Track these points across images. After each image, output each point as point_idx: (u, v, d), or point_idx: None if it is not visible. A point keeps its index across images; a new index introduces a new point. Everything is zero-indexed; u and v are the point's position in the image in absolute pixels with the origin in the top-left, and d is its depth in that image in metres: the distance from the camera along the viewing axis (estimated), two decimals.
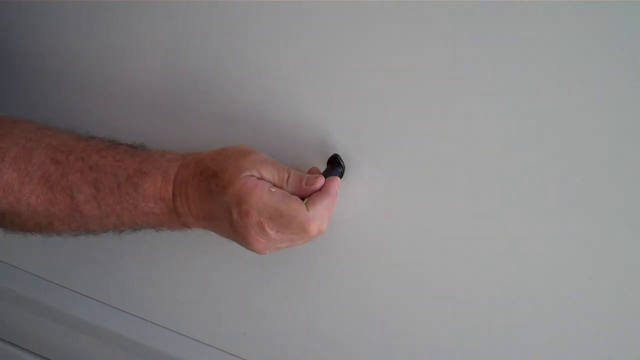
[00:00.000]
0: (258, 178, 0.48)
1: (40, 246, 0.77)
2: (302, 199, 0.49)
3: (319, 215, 0.48)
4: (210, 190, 0.49)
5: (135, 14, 0.57)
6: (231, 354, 0.71)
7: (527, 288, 0.52)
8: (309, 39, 0.51)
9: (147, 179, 0.50)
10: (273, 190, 0.48)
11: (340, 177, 0.53)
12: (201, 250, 0.67)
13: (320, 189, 0.49)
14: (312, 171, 0.52)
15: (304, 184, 0.49)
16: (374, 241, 0.57)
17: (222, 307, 0.70)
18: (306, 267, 0.62)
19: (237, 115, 0.57)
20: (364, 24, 0.48)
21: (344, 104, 0.52)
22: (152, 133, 0.58)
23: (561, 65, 0.44)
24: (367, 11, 0.48)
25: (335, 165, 0.53)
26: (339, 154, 0.53)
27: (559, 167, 0.47)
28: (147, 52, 0.58)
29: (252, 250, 0.50)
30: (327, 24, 0.50)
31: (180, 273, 0.71)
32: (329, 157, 0.53)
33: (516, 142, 0.48)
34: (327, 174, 0.52)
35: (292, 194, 0.49)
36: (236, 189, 0.47)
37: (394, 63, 0.49)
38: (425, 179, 0.52)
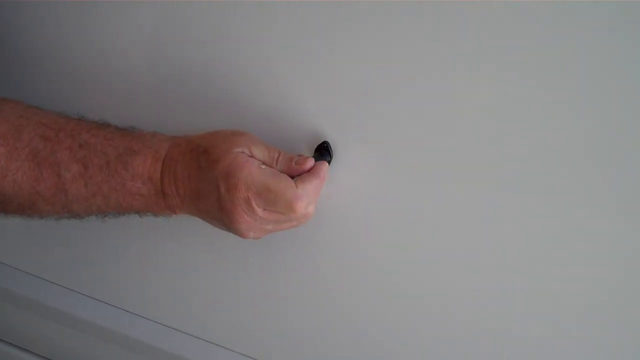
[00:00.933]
0: (249, 156, 0.49)
1: (34, 245, 0.77)
2: (291, 178, 0.49)
3: (306, 194, 0.48)
4: (200, 167, 0.49)
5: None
6: (223, 347, 0.71)
7: (516, 272, 0.53)
8: (298, 27, 0.52)
9: (137, 157, 0.50)
10: (263, 167, 0.49)
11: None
12: (192, 246, 0.67)
13: (309, 171, 0.50)
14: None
15: (293, 163, 0.50)
16: (363, 229, 0.57)
17: (214, 301, 0.70)
18: (293, 256, 0.62)
19: (225, 103, 0.57)
20: (351, 16, 0.49)
21: (332, 93, 0.53)
22: (142, 119, 0.58)
23: (559, 52, 0.45)
24: (353, 3, 0.49)
25: (323, 153, 0.53)
26: (328, 141, 0.53)
27: (551, 153, 0.48)
28: (137, 39, 0.58)
29: (237, 231, 0.49)
30: (314, 14, 0.51)
31: (172, 269, 0.70)
32: (316, 145, 0.54)
33: (500, 129, 0.49)
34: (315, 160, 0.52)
35: (280, 171, 0.49)
36: (226, 164, 0.47)
37: (381, 53, 0.50)
38: (413, 166, 0.53)
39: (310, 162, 0.50)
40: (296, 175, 0.49)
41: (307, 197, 0.48)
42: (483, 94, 0.47)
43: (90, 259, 0.74)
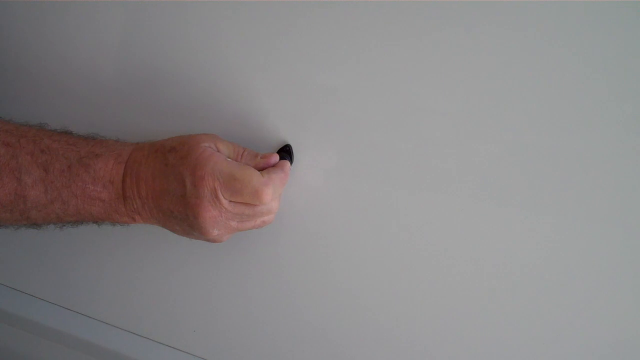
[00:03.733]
0: (215, 150, 0.50)
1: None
2: None
3: (272, 183, 0.48)
4: (166, 164, 0.49)
5: (88, 6, 0.58)
6: (182, 351, 0.70)
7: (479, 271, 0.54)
8: (264, 35, 0.53)
9: (99, 160, 0.50)
10: (229, 160, 0.49)
11: None
12: (152, 251, 0.67)
13: (274, 166, 0.51)
14: None
15: (259, 158, 0.51)
16: (324, 229, 0.58)
17: (172, 306, 0.69)
18: (256, 260, 0.62)
19: (191, 108, 0.58)
20: (315, 25, 0.51)
21: (294, 98, 0.54)
22: (107, 126, 0.59)
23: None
24: (316, 9, 0.50)
25: (285, 157, 0.54)
26: (290, 144, 0.55)
27: (512, 154, 0.49)
28: (103, 45, 0.59)
29: (201, 228, 0.49)
30: (282, 22, 0.52)
31: (130, 273, 0.70)
32: (278, 149, 0.55)
33: (462, 130, 0.50)
34: None
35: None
36: (194, 158, 0.48)
37: (342, 59, 0.51)
38: (373, 168, 0.54)
39: (275, 157, 0.51)
40: (261, 169, 0.51)
41: (274, 186, 0.48)
42: (442, 98, 0.49)
43: (42, 260, 0.74)
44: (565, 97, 0.46)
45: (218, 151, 0.50)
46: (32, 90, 0.63)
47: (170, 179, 0.49)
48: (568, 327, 0.53)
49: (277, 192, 0.50)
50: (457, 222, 0.53)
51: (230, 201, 0.48)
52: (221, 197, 0.48)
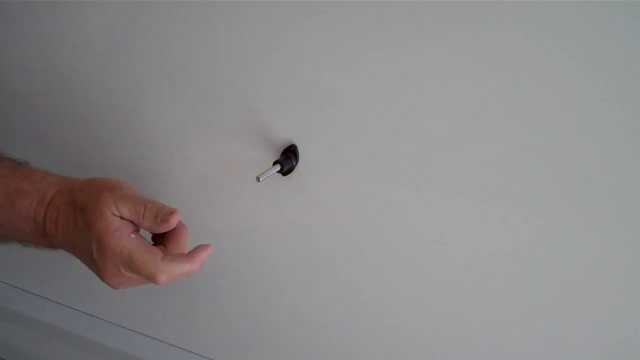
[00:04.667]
0: (119, 217, 0.49)
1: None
2: (164, 237, 0.50)
3: (169, 272, 0.47)
4: (75, 225, 0.50)
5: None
6: (187, 350, 0.72)
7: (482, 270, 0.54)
8: (268, 34, 0.52)
9: (24, 198, 0.52)
10: (133, 236, 0.49)
11: (292, 170, 0.53)
12: None
13: (187, 253, 0.49)
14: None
15: (159, 219, 0.49)
16: (327, 228, 0.57)
17: (177, 305, 0.70)
18: (258, 261, 0.62)
19: (198, 105, 0.57)
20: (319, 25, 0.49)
21: (300, 98, 0.52)
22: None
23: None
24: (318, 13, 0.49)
25: (289, 156, 0.53)
26: (296, 144, 0.53)
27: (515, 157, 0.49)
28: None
29: (107, 284, 0.50)
30: (286, 22, 0.51)
31: None
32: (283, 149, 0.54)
33: (459, 134, 0.49)
34: (278, 163, 0.52)
35: (148, 228, 0.50)
36: (98, 230, 0.48)
37: (347, 60, 0.50)
38: (376, 169, 0.53)
39: (175, 218, 0.49)
40: (162, 232, 0.50)
41: (169, 275, 0.48)
42: (447, 99, 0.48)
43: (44, 260, 0.73)
44: (567, 98, 0.45)
45: (120, 214, 0.49)
46: None
47: (81, 238, 0.50)
48: (569, 327, 0.54)
49: (174, 277, 0.48)
50: (462, 222, 0.52)
51: (133, 273, 0.49)
52: (123, 271, 0.49)
